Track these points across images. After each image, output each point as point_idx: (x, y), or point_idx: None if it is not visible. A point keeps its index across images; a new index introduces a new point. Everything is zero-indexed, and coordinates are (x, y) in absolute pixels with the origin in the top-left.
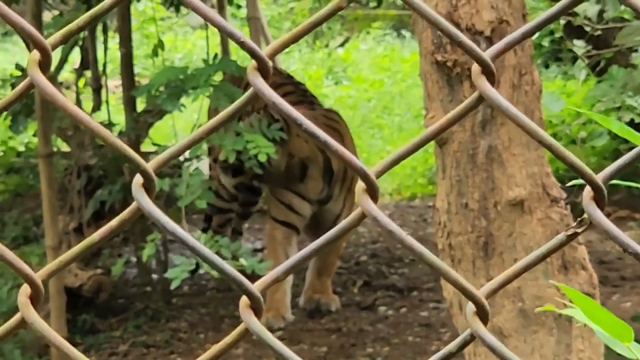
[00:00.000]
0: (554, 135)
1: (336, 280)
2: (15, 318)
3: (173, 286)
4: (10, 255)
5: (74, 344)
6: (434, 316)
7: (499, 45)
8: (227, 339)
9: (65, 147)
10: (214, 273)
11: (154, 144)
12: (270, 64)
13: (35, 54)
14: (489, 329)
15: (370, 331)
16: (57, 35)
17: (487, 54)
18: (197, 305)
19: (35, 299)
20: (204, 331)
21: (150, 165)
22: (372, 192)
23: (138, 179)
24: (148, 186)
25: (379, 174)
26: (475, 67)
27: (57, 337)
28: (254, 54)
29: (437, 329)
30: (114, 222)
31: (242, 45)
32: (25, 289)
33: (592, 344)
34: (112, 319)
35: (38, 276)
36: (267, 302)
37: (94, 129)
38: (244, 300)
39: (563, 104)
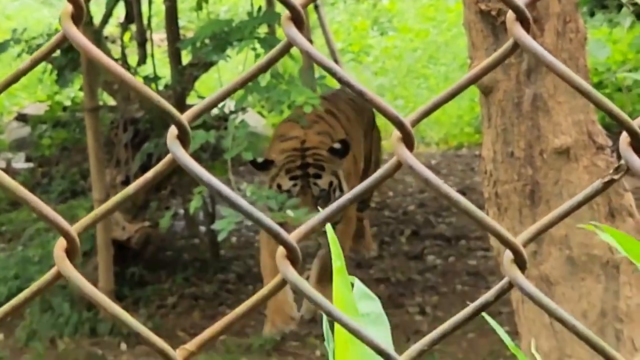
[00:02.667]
0: (599, 83)
1: (384, 230)
2: (52, 272)
3: (220, 238)
4: (45, 208)
5: (122, 297)
6: (482, 264)
7: None
8: (264, 290)
9: (111, 101)
10: None
11: (200, 97)
12: (303, 13)
13: (68, 6)
14: (536, 276)
15: (418, 280)
16: None
17: (521, 1)
18: (245, 256)
19: (72, 253)
20: (252, 282)
21: (184, 117)
22: (408, 140)
23: (173, 131)
24: (183, 138)
25: (415, 123)
26: (510, 14)
27: (93, 290)
28: (287, 3)
29: (486, 277)
30: (149, 174)
31: None
32: (61, 243)
33: None
34: (160, 271)
35: (74, 229)
36: (271, 308)
37: (127, 81)
38: (280, 250)
39: (608, 51)
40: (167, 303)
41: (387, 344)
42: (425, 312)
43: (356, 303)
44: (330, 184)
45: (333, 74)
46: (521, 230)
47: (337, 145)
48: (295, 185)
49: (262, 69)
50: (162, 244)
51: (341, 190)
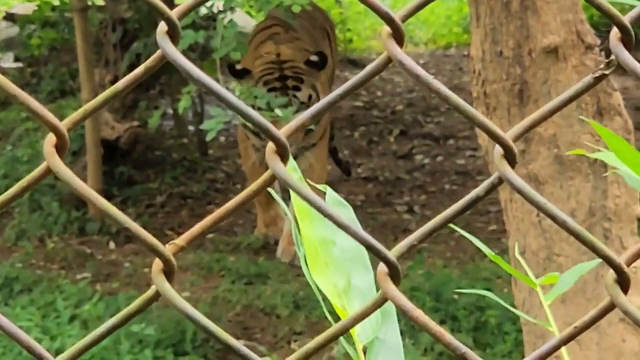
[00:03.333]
0: None
1: (372, 130)
2: (41, 167)
3: (209, 138)
4: (35, 104)
5: (111, 196)
6: (470, 164)
7: None
8: (253, 186)
9: (99, 1)
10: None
11: None
12: None
13: None
14: (524, 175)
15: (407, 180)
16: None
17: None
18: (234, 156)
19: (61, 148)
20: (240, 181)
21: (174, 13)
22: (398, 36)
23: (162, 27)
24: (172, 33)
25: (405, 18)
26: None
27: (82, 185)
28: None
29: (474, 177)
30: (138, 70)
31: None
32: (51, 138)
33: (628, 189)
34: (149, 170)
35: (63, 125)
36: (262, 218)
37: None
38: (270, 146)
39: None
40: (156, 202)
41: (361, 255)
42: (414, 210)
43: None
44: (310, 97)
45: None
46: (510, 129)
47: (314, 58)
48: (276, 97)
49: None
50: (150, 144)
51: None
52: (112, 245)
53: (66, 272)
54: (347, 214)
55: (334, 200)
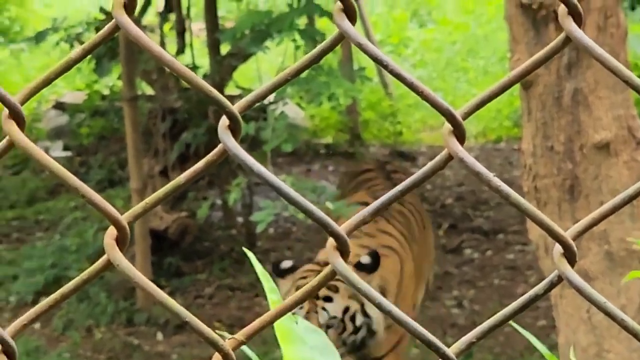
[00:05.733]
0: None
1: None
2: (102, 260)
3: (259, 229)
4: (97, 197)
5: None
6: (520, 259)
7: None
8: (314, 282)
9: (149, 90)
10: (300, 215)
11: (238, 87)
12: (355, 5)
13: None
14: (575, 271)
15: (455, 274)
16: None
17: None
18: (282, 248)
19: (121, 241)
20: None
21: (236, 107)
22: (459, 133)
23: (224, 121)
24: (234, 128)
25: (466, 116)
26: (562, 8)
27: (142, 278)
28: None
29: (523, 272)
30: (200, 164)
31: None
32: (111, 231)
33: None
34: (197, 261)
35: (124, 218)
36: None
37: (178, 71)
38: (330, 242)
39: None
40: (204, 293)
41: None
42: (462, 305)
43: (305, 337)
44: (346, 309)
45: (385, 67)
46: (560, 224)
47: (365, 260)
48: (301, 307)
49: (314, 61)
50: (199, 234)
51: (366, 316)
52: (159, 336)
53: None
54: (321, 338)
55: (305, 326)
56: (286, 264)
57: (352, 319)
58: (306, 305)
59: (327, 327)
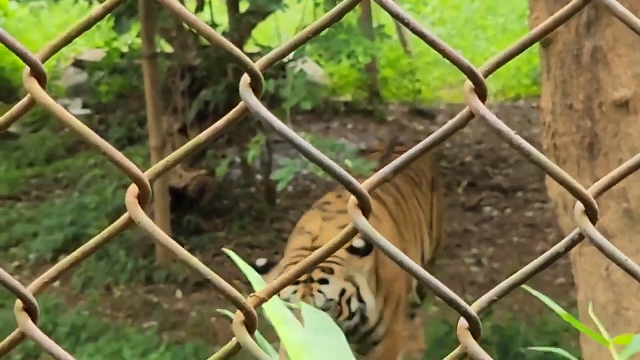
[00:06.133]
0: None
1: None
2: (123, 217)
3: (279, 188)
4: (118, 154)
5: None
6: (539, 216)
7: None
8: (336, 239)
9: (168, 48)
10: (320, 173)
11: (257, 45)
12: None
13: None
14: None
15: (475, 232)
16: None
17: None
18: (301, 205)
19: (143, 199)
20: None
21: (257, 65)
22: (481, 91)
23: (245, 78)
24: (255, 85)
25: (487, 74)
26: None
27: (164, 236)
28: None
29: (542, 229)
30: (220, 122)
31: None
32: (133, 189)
33: None
34: (216, 219)
35: (145, 176)
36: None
37: (199, 28)
38: (352, 199)
39: None
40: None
41: (344, 350)
42: (482, 263)
43: (306, 319)
44: (342, 292)
45: (406, 24)
46: (579, 182)
47: (357, 243)
48: (294, 291)
49: (334, 19)
50: (218, 192)
51: (360, 301)
52: (179, 293)
53: (132, 320)
54: (324, 320)
55: (308, 309)
56: (260, 262)
57: (348, 302)
58: (301, 288)
59: (323, 311)
